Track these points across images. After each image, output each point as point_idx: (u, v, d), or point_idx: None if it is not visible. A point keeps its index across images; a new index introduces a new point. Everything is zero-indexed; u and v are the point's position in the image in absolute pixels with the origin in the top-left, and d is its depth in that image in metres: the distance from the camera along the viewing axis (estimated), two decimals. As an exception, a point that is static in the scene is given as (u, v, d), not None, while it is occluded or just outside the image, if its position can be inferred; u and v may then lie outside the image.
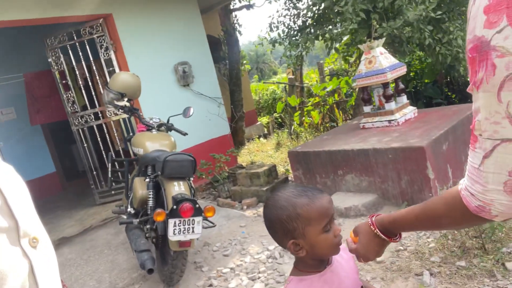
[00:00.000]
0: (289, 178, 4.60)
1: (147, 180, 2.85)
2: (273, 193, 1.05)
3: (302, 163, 3.83)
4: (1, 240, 0.54)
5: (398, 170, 3.13)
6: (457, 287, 2.09)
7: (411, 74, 6.36)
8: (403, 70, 3.83)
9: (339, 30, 5.04)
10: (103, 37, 4.55)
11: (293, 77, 9.16)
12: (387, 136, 3.42)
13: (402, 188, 3.16)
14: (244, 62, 9.11)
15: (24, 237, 0.58)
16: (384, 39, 3.91)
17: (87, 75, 4.87)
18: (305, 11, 5.40)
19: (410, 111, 3.86)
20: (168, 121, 3.50)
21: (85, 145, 4.91)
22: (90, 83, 4.89)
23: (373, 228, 0.98)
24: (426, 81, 6.00)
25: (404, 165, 3.09)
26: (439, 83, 5.96)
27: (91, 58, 4.70)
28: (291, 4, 5.79)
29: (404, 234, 2.76)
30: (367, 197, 3.29)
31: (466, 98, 5.31)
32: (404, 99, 3.89)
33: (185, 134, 3.40)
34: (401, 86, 3.89)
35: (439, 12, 4.10)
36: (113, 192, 4.83)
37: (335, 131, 4.42)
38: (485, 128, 0.65)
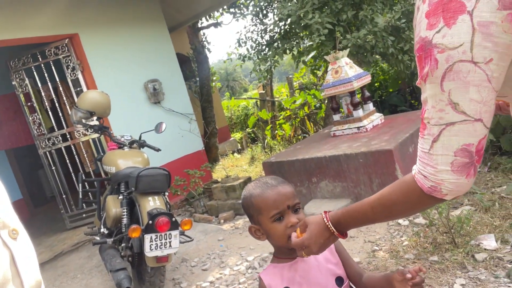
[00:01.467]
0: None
1: (121, 197, 2.80)
2: (255, 179, 1.15)
3: (276, 173, 3.87)
4: None
5: (369, 174, 3.23)
6: (431, 281, 2.16)
7: (376, 84, 6.61)
8: (368, 79, 3.99)
9: (306, 44, 5.21)
10: (69, 57, 4.49)
11: (264, 92, 9.30)
12: (357, 142, 3.52)
13: (374, 190, 3.25)
14: (214, 78, 9.17)
15: (4, 228, 0.57)
16: (348, 49, 4.07)
17: (54, 96, 4.77)
18: (271, 27, 5.55)
19: (377, 118, 4.00)
20: (140, 137, 3.47)
21: (53, 168, 4.75)
22: (57, 105, 4.78)
23: (326, 221, 0.98)
24: (390, 90, 6.26)
25: (374, 169, 3.18)
26: (402, 92, 6.22)
27: (57, 79, 4.61)
28: (258, 20, 5.94)
29: (378, 235, 2.83)
30: (341, 202, 3.36)
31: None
32: (370, 106, 4.04)
33: (158, 150, 3.37)
34: (367, 94, 4.04)
35: (403, 21, 4.32)
36: (84, 215, 4.68)
37: (308, 140, 4.51)
38: (432, 115, 0.75)
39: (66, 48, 4.46)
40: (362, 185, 3.31)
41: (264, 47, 5.67)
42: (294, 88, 9.85)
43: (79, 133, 4.61)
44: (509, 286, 1.93)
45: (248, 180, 4.47)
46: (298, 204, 1.06)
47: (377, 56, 5.06)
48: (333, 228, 0.97)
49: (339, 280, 1.09)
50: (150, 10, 5.23)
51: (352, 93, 3.85)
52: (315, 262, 1.08)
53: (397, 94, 6.16)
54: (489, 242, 2.36)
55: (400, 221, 2.97)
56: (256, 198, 1.06)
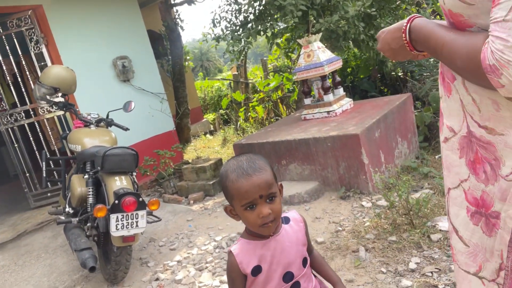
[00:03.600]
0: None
1: (86, 176, 2.75)
2: (237, 155, 1.12)
3: (246, 155, 3.90)
4: None
5: (337, 157, 3.31)
6: (389, 260, 2.27)
7: (348, 70, 6.70)
8: (339, 64, 4.03)
9: (280, 26, 5.18)
10: (33, 30, 4.27)
11: (237, 73, 9.23)
12: (326, 126, 3.59)
13: (340, 174, 3.35)
14: (188, 58, 9.00)
15: None
16: (321, 34, 4.09)
17: (16, 70, 4.54)
18: (246, 7, 5.47)
19: (347, 102, 4.08)
20: (107, 116, 3.38)
21: (16, 145, 4.57)
22: (19, 79, 4.56)
23: (405, 22, 0.89)
24: (361, 76, 6.35)
25: (341, 152, 3.27)
26: (373, 78, 6.34)
27: (20, 53, 4.38)
28: (233, 0, 5.83)
29: (342, 216, 2.92)
30: (309, 185, 3.44)
31: (396, 92, 5.71)
32: (340, 91, 4.10)
33: (126, 129, 3.30)
34: (338, 79, 4.09)
35: (374, 9, 4.37)
36: (49, 194, 4.56)
37: (279, 123, 4.55)
38: None
39: (29, 20, 4.23)
40: (329, 168, 3.39)
41: (238, 27, 5.59)
42: (268, 71, 9.83)
43: (43, 110, 4.44)
44: (458, 264, 2.07)
45: (219, 161, 4.48)
46: (273, 194, 1.03)
47: (349, 42, 5.11)
48: (407, 30, 0.87)
49: (305, 261, 1.13)
50: (120, -17, 5.03)
51: (323, 78, 3.89)
52: (288, 242, 1.10)
53: (368, 80, 6.27)
54: (444, 223, 2.49)
55: (364, 203, 3.09)
56: (229, 183, 1.04)
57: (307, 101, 4.10)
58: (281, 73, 8.72)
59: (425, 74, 5.06)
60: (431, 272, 2.08)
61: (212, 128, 9.17)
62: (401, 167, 3.61)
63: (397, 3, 4.72)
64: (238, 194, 1.02)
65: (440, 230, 2.44)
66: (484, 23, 0.71)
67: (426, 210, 2.64)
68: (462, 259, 0.89)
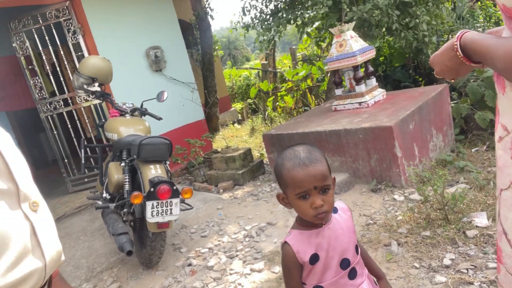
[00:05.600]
0: (264, 161, 4.68)
1: (123, 164, 2.85)
2: (293, 145, 1.13)
3: (276, 145, 3.91)
4: (5, 203, 0.56)
5: (368, 150, 3.27)
6: (422, 255, 2.24)
7: (381, 58, 6.52)
8: (372, 53, 3.94)
9: (311, 14, 5.10)
10: (70, 21, 4.42)
11: (266, 62, 9.19)
12: (357, 118, 3.54)
13: (372, 166, 3.30)
14: (217, 47, 9.03)
15: (25, 201, 0.59)
16: (354, 23, 4.00)
17: (55, 60, 4.72)
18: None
19: (379, 93, 3.99)
20: (141, 105, 3.48)
21: (55, 132, 4.78)
22: (58, 69, 4.74)
23: (455, 40, 0.90)
24: (395, 65, 6.18)
25: (373, 144, 3.22)
26: (407, 67, 6.15)
27: (58, 43, 4.55)
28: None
29: (373, 209, 2.90)
30: (339, 176, 3.41)
31: (432, 81, 5.52)
32: (373, 81, 4.02)
33: (159, 118, 3.39)
34: (371, 69, 4.00)
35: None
36: (86, 179, 4.76)
37: (309, 114, 4.52)
38: None
39: (67, 10, 4.37)
40: (360, 160, 3.35)
41: (268, 16, 5.55)
42: (297, 60, 9.73)
43: (80, 99, 4.61)
44: (496, 262, 2.01)
45: (248, 151, 4.52)
46: (327, 186, 1.04)
47: (383, 30, 4.96)
48: (458, 47, 0.88)
49: (357, 248, 1.16)
50: (152, -27, 5.09)
51: (355, 68, 3.82)
52: (340, 230, 1.12)
53: (401, 69, 6.08)
54: (481, 219, 2.42)
55: (396, 196, 3.04)
56: (285, 171, 1.06)
57: (338, 91, 4.05)
58: (310, 62, 8.61)
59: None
60: (467, 269, 2.04)
61: (240, 117, 9.22)
62: (435, 161, 3.52)
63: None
64: (293, 182, 1.04)
65: (477, 226, 2.38)
66: None
67: (462, 205, 2.57)
68: (510, 262, 0.87)
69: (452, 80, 0.97)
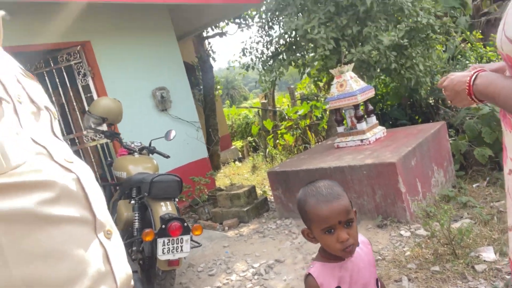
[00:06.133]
0: (268, 198, 4.72)
1: (133, 202, 2.89)
2: (313, 181, 1.19)
3: (281, 182, 3.97)
4: (84, 232, 0.63)
5: (372, 185, 3.33)
6: (433, 290, 2.25)
7: (378, 97, 6.75)
8: (372, 93, 4.11)
9: (311, 56, 5.35)
10: (81, 64, 4.60)
11: (265, 101, 9.43)
12: (360, 154, 3.63)
13: (377, 202, 3.35)
14: (218, 87, 9.30)
15: (100, 229, 0.65)
16: (353, 64, 4.20)
17: (64, 101, 4.86)
18: (277, 39, 5.68)
19: (380, 131, 4.12)
20: (150, 144, 3.57)
21: (61, 171, 4.82)
22: (66, 109, 4.87)
23: (470, 76, 1.00)
24: (390, 103, 6.38)
25: (377, 180, 3.29)
26: (403, 106, 6.35)
27: (68, 84, 4.71)
28: (264, 32, 6.08)
29: (381, 245, 2.92)
30: (344, 212, 3.45)
31: (428, 119, 5.70)
32: (373, 119, 4.16)
33: (167, 156, 3.47)
34: (370, 107, 4.16)
35: (406, 39, 4.48)
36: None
37: (311, 151, 4.61)
38: None
39: (78, 54, 4.57)
40: (365, 196, 3.41)
41: (269, 58, 5.80)
42: (295, 98, 10.00)
43: (87, 138, 4.70)
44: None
45: (253, 188, 4.56)
46: (350, 219, 1.09)
47: (380, 70, 5.19)
48: (471, 83, 0.98)
49: (377, 282, 1.19)
50: (159, 19, 5.37)
51: (356, 106, 3.97)
52: (362, 263, 1.16)
53: (398, 107, 6.28)
54: (488, 254, 2.46)
55: (402, 232, 3.07)
56: (309, 207, 1.12)
57: (340, 129, 4.17)
58: (308, 101, 8.86)
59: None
60: (479, 304, 2.05)
61: (240, 155, 9.32)
62: (438, 196, 3.58)
63: (427, 33, 4.80)
64: (318, 218, 1.09)
65: (484, 260, 2.41)
66: None
67: (468, 240, 2.61)
68: None
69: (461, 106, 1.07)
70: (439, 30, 4.98)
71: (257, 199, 4.53)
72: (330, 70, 4.21)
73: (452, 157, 4.05)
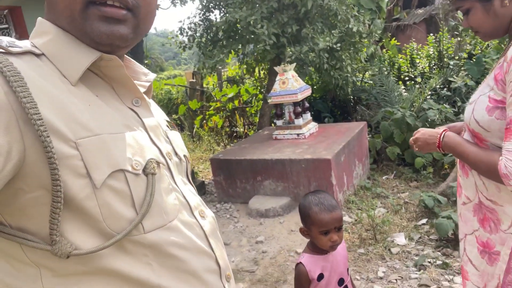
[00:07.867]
0: (205, 182, 4.93)
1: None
2: (313, 192, 1.52)
3: (223, 169, 4.22)
4: (185, 213, 0.77)
5: (309, 177, 3.79)
6: (360, 269, 2.78)
7: (304, 88, 7.32)
8: (308, 92, 4.54)
9: (251, 49, 5.58)
10: (8, 30, 4.16)
11: (194, 81, 9.41)
12: (298, 148, 4.05)
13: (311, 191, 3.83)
14: (146, 61, 8.97)
15: (196, 209, 0.80)
16: (295, 64, 4.56)
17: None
18: (219, 25, 5.76)
19: (313, 126, 4.60)
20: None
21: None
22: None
23: (441, 132, 1.34)
24: (316, 96, 7.00)
25: (313, 173, 3.75)
26: (325, 99, 7.01)
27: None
28: (203, 16, 6.09)
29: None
30: (282, 200, 3.87)
31: (346, 114, 6.44)
32: (308, 116, 4.61)
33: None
34: (306, 105, 4.60)
35: (339, 44, 4.98)
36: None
37: (250, 139, 4.92)
38: None
39: (5, 19, 4.12)
40: (301, 186, 3.86)
41: (209, 42, 5.87)
42: (222, 80, 10.16)
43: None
44: (416, 273, 2.63)
45: (191, 172, 4.72)
46: (341, 226, 1.45)
47: (311, 68, 5.68)
48: (441, 139, 1.33)
49: (348, 270, 1.56)
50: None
51: (295, 103, 4.37)
52: (339, 256, 1.52)
53: (321, 101, 6.91)
54: (400, 239, 3.08)
55: (332, 218, 3.60)
56: (313, 213, 1.44)
57: (279, 122, 4.54)
58: (236, 84, 9.11)
59: (370, 102, 5.86)
60: (395, 280, 2.62)
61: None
62: (358, 187, 4.21)
63: (357, 39, 5.38)
64: (320, 223, 1.42)
65: (398, 244, 3.02)
66: (496, 142, 1.17)
67: (386, 227, 3.21)
68: (474, 278, 1.35)
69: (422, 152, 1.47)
70: (365, 37, 5.61)
71: (195, 182, 4.71)
72: (275, 68, 4.51)
73: (368, 153, 4.74)
